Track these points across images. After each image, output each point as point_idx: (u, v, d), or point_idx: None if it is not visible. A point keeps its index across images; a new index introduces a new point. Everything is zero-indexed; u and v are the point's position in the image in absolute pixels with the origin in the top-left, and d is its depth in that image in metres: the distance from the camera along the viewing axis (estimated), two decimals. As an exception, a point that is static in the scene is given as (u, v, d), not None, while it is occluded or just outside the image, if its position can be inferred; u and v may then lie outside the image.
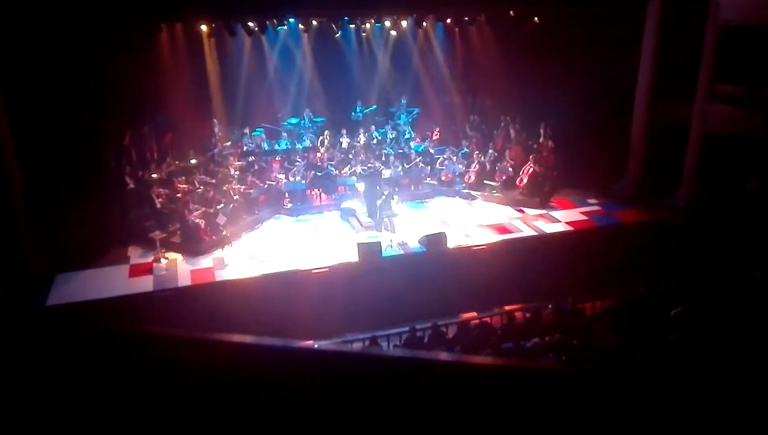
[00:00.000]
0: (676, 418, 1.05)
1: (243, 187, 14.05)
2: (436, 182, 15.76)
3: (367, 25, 16.70)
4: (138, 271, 11.75)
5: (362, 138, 16.18)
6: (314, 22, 15.35)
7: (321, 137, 16.05)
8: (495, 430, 1.07)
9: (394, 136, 16.67)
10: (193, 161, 14.68)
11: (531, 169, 15.06)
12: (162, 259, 12.01)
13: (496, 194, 15.19)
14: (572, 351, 8.10)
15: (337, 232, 13.48)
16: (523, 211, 14.55)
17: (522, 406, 1.08)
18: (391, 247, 12.57)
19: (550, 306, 10.03)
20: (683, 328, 8.00)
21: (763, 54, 13.17)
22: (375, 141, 16.34)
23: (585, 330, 8.84)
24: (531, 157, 15.31)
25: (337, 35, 16.08)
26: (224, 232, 12.75)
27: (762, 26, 13.07)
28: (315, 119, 16.58)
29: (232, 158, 15.05)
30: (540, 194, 14.96)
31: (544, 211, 14.51)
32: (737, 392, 1.10)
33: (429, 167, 15.78)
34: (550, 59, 15.25)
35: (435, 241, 12.36)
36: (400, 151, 15.98)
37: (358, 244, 12.09)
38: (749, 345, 7.24)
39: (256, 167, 14.97)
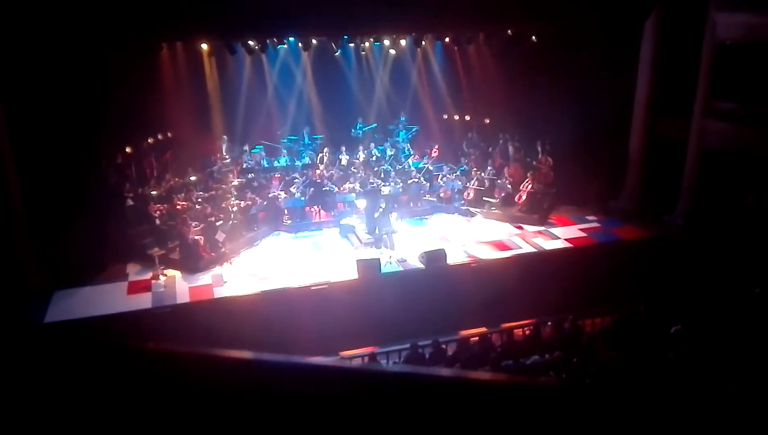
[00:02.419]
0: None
1: (242, 203, 14.07)
2: (435, 199, 15.78)
3: (367, 44, 16.81)
4: (136, 287, 11.72)
5: (361, 155, 16.24)
6: (314, 41, 15.46)
7: (320, 154, 16.10)
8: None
9: (393, 153, 16.72)
10: (192, 178, 14.72)
11: (530, 186, 15.10)
12: (161, 276, 11.98)
13: (495, 211, 15.21)
14: (572, 368, 8.07)
15: (337, 248, 13.47)
16: (522, 228, 14.55)
17: (522, 422, 1.08)
18: (391, 263, 12.56)
19: (549, 323, 10.02)
20: (683, 345, 7.98)
21: (760, 71, 13.27)
22: (374, 158, 16.38)
23: (585, 347, 8.82)
24: (529, 174, 15.36)
25: (337, 54, 16.19)
26: (223, 249, 12.73)
27: (758, 43, 13.19)
28: (314, 136, 16.65)
29: (231, 175, 15.08)
30: (539, 211, 14.97)
31: (543, 228, 14.51)
32: (737, 410, 1.10)
33: (428, 184, 15.81)
34: (548, 77, 15.36)
35: (434, 257, 12.35)
36: (399, 168, 16.03)
37: (357, 260, 12.07)
38: (749, 362, 7.22)
39: (255, 184, 14.99)
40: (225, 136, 15.79)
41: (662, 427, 1.06)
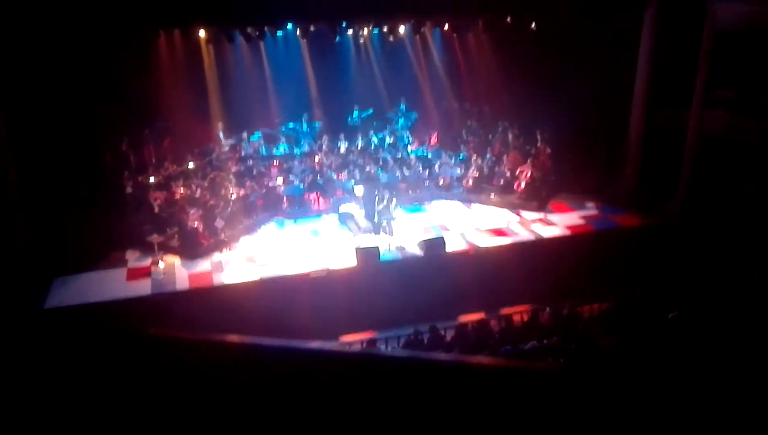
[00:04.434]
0: (672, 420, 1.07)
1: (241, 191, 14.06)
2: (434, 187, 15.77)
3: (365, 31, 16.72)
4: (136, 274, 11.75)
5: (360, 143, 16.21)
6: (312, 28, 15.36)
7: (319, 142, 16.07)
8: (493, 429, 1.08)
9: (392, 140, 16.67)
10: (191, 165, 14.68)
11: (529, 174, 15.09)
12: (160, 263, 12.01)
13: (494, 199, 15.21)
14: (570, 354, 8.12)
15: (336, 236, 13.48)
16: (521, 216, 14.57)
17: (520, 405, 1.10)
18: (390, 251, 12.58)
19: (547, 309, 10.05)
20: (680, 331, 8.02)
21: (759, 60, 13.23)
22: (373, 146, 16.35)
23: (582, 333, 8.86)
24: (528, 161, 15.35)
25: (335, 41, 16.10)
26: (222, 236, 12.75)
27: (757, 32, 13.14)
28: (312, 124, 16.59)
29: (230, 163, 15.05)
30: (538, 198, 14.98)
31: (542, 216, 14.54)
32: (733, 395, 1.12)
33: (427, 172, 15.79)
34: (547, 65, 15.29)
35: (433, 245, 12.37)
36: (398, 155, 16.00)
37: (356, 248, 12.10)
38: (746, 349, 7.26)
39: (254, 172, 14.96)
40: (220, 124, 15.73)
41: (657, 411, 1.08)
